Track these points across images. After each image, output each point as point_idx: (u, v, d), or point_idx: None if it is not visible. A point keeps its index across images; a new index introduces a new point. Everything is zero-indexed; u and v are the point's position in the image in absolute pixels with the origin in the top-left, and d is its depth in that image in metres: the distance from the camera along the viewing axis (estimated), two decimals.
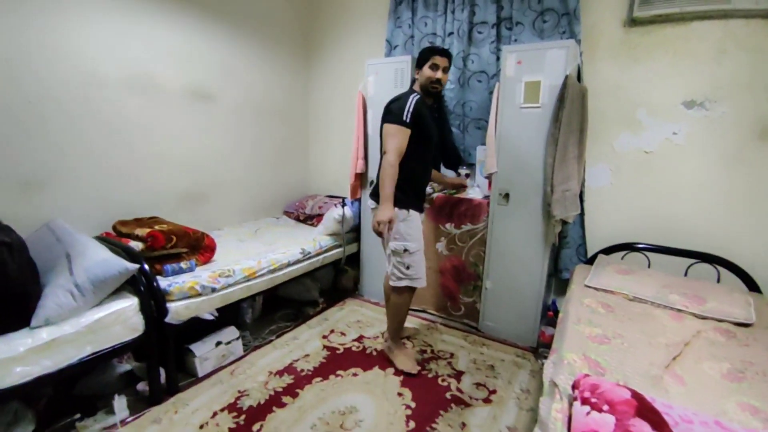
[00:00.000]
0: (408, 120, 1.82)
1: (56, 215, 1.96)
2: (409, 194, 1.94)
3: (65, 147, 2.03)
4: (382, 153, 1.87)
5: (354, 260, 3.05)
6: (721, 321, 1.67)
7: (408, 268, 1.98)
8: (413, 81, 2.09)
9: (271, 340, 2.33)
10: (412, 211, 1.96)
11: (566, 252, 2.47)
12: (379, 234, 1.90)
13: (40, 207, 1.96)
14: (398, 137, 1.83)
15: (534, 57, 2.12)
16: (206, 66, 2.70)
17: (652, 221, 2.28)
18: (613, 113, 2.30)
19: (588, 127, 2.24)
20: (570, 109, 2.01)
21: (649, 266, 2.23)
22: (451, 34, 2.67)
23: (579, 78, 2.24)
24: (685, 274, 2.14)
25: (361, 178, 2.83)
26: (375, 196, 2.01)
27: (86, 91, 2.08)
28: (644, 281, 1.95)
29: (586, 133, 2.23)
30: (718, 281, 2.06)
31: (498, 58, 2.52)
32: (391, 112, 1.87)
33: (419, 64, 1.96)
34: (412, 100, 1.85)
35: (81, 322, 1.47)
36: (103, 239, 1.92)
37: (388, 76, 2.61)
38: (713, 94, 2.06)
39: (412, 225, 1.96)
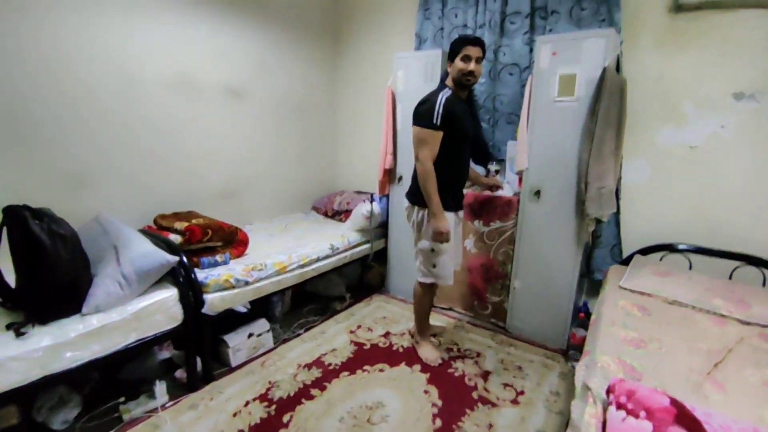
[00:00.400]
0: (438, 123, 1.79)
1: (103, 209, 2.08)
2: (444, 195, 1.89)
3: (109, 145, 2.15)
4: (416, 158, 1.85)
5: (381, 256, 3.07)
6: (765, 327, 1.58)
7: (434, 266, 1.99)
8: (444, 75, 2.04)
9: (300, 334, 2.39)
10: (445, 213, 1.92)
11: (600, 252, 2.39)
12: (441, 241, 1.90)
13: (89, 201, 2.09)
14: (429, 142, 1.81)
15: (570, 47, 2.04)
16: (240, 63, 2.77)
17: (693, 221, 2.16)
18: (655, 106, 2.19)
19: (626, 121, 2.14)
20: (608, 103, 1.93)
21: (690, 268, 2.12)
22: (482, 25, 2.61)
23: (618, 69, 2.14)
24: (730, 278, 2.02)
25: (389, 174, 2.83)
26: (411, 196, 2.01)
27: (128, 91, 2.19)
28: (685, 284, 1.86)
29: (624, 128, 2.13)
30: (764, 285, 1.94)
31: (531, 50, 2.45)
32: (421, 115, 1.82)
33: (450, 56, 1.89)
34: (442, 98, 1.80)
35: (127, 310, 1.56)
36: (145, 232, 2.03)
37: (417, 70, 2.59)
38: (765, 85, 1.92)
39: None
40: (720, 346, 1.46)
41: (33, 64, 1.85)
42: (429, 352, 2.14)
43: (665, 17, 2.11)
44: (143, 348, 1.67)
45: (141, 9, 2.17)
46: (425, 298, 2.13)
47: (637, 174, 2.29)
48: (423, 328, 2.20)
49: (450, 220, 1.94)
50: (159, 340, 1.71)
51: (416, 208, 1.96)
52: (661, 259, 2.20)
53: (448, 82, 1.92)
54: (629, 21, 2.19)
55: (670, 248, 2.18)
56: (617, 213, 2.31)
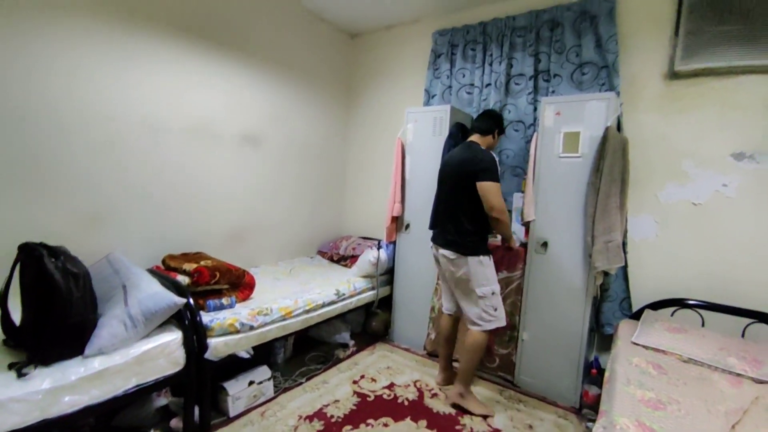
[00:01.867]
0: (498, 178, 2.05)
1: (114, 247, 2.10)
2: (487, 241, 2.15)
3: (127, 186, 2.21)
4: (491, 209, 1.99)
5: (386, 303, 3.03)
6: None
7: (495, 309, 2.09)
8: (456, 131, 2.41)
9: (302, 383, 2.30)
10: (491, 257, 2.12)
11: (608, 306, 2.36)
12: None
13: (101, 240, 2.11)
14: (499, 194, 2.00)
15: (573, 108, 2.16)
16: (255, 113, 2.91)
17: (703, 277, 2.16)
18: (657, 164, 2.27)
19: (630, 177, 2.21)
20: (611, 159, 2.01)
21: (702, 325, 2.09)
22: (488, 85, 2.77)
23: (619, 128, 2.25)
24: (743, 335, 1.98)
25: (397, 221, 2.87)
26: (461, 248, 2.06)
27: (147, 137, 2.28)
28: (699, 342, 1.82)
29: (627, 184, 2.20)
30: None
31: (535, 109, 2.58)
32: (491, 172, 1.99)
33: (498, 130, 2.19)
34: (495, 158, 2.06)
35: (130, 353, 1.52)
36: (153, 272, 2.03)
37: (426, 124, 2.71)
38: (764, 146, 2.00)
39: (493, 269, 2.13)
40: (737, 406, 1.42)
41: (62, 110, 1.94)
42: (482, 407, 2.11)
43: (662, 83, 2.25)
44: (141, 393, 1.60)
45: (164, 61, 2.31)
46: (485, 344, 2.13)
47: (644, 229, 2.32)
48: (471, 381, 2.19)
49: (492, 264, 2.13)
50: (159, 385, 1.65)
51: (469, 258, 2.04)
52: (672, 315, 2.17)
53: (483, 145, 2.12)
54: (628, 86, 2.34)
55: (681, 303, 2.16)
56: (625, 267, 2.32)
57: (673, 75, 2.20)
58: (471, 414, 2.07)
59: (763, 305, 1.98)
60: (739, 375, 1.63)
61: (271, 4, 2.92)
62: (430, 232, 2.62)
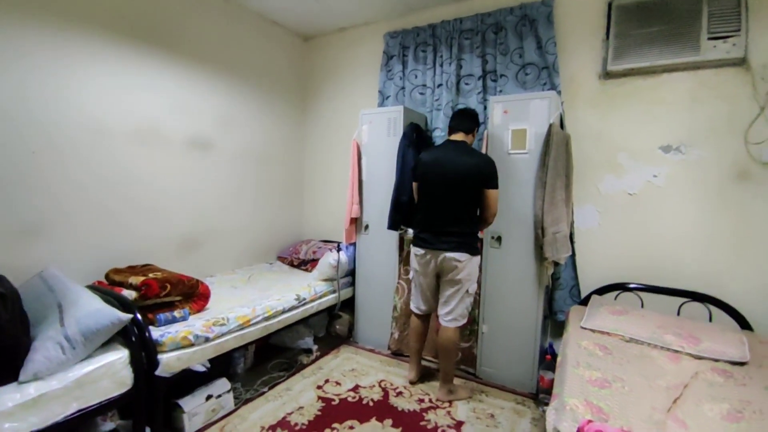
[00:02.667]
0: None
1: (50, 263, 1.94)
2: None
3: (63, 196, 2.06)
4: (494, 215, 2.13)
5: (348, 305, 3.01)
6: (717, 361, 1.68)
7: (469, 307, 2.21)
8: (417, 133, 2.52)
9: (264, 392, 2.24)
10: None
11: (560, 293, 2.48)
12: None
13: (34, 256, 1.95)
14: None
15: (519, 107, 2.25)
16: (206, 116, 2.80)
17: (641, 261, 2.33)
18: (596, 157, 2.42)
19: (573, 171, 2.34)
20: (556, 155, 2.12)
21: (642, 306, 2.25)
22: (440, 85, 2.84)
23: (562, 125, 2.37)
24: (678, 314, 2.15)
25: (356, 223, 2.86)
26: (468, 248, 2.10)
27: (87, 140, 2.14)
28: (638, 322, 1.95)
29: (572, 177, 2.32)
30: (710, 320, 2.08)
31: (485, 107, 2.67)
32: (497, 179, 2.09)
33: (477, 127, 2.29)
34: None
35: (69, 376, 1.42)
36: (95, 288, 1.90)
37: (381, 125, 2.73)
38: (688, 138, 2.19)
39: None
40: (677, 381, 1.53)
41: None
42: (465, 388, 2.28)
43: (597, 82, 2.41)
44: (85, 418, 1.49)
45: (104, 59, 2.18)
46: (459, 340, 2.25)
47: (588, 219, 2.47)
48: (453, 375, 2.26)
49: None
50: (104, 409, 1.54)
51: (474, 258, 2.13)
52: (615, 298, 2.32)
53: (469, 141, 2.23)
54: (567, 85, 2.48)
55: (623, 287, 2.31)
56: (573, 255, 2.45)
57: (606, 75, 2.36)
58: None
59: (695, 285, 2.16)
60: (677, 351, 1.75)
61: (221, 7, 2.83)
62: (389, 233, 2.65)
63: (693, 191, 2.19)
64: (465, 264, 2.09)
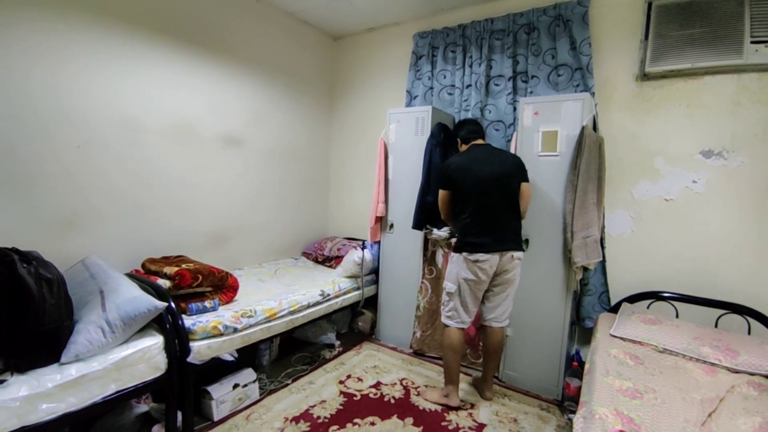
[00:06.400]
0: None
1: (91, 252, 2.04)
2: None
3: (105, 188, 2.16)
4: (526, 207, 2.13)
5: (371, 303, 3.03)
6: (753, 374, 1.61)
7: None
8: (445, 133, 2.49)
9: (287, 384, 2.29)
10: None
11: (588, 299, 2.42)
12: None
13: (78, 244, 2.06)
14: None
15: (550, 108, 2.21)
16: (238, 114, 2.88)
17: (677, 269, 2.24)
18: (630, 162, 2.35)
19: (606, 174, 2.28)
20: (588, 157, 2.07)
21: (677, 316, 2.17)
22: (469, 86, 2.82)
23: (594, 128, 2.32)
24: (716, 326, 2.06)
25: (381, 221, 2.88)
26: (520, 246, 2.11)
27: (125, 137, 2.24)
28: (673, 332, 1.89)
29: (604, 181, 2.27)
30: (749, 333, 1.99)
31: (515, 109, 2.63)
32: (527, 171, 2.12)
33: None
34: None
35: (108, 359, 1.49)
36: (132, 276, 1.98)
37: (408, 125, 2.74)
38: (731, 144, 2.09)
39: None
40: (712, 395, 1.47)
41: (41, 110, 1.90)
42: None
43: (633, 84, 2.33)
44: (121, 400, 1.56)
45: (142, 59, 2.27)
46: None
47: (620, 224, 2.40)
48: None
49: None
50: (139, 392, 1.61)
51: (522, 254, 2.12)
52: (648, 307, 2.24)
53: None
54: (601, 87, 2.41)
55: (656, 296, 2.23)
56: (603, 261, 2.38)
57: (644, 76, 2.28)
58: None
59: (733, 296, 2.06)
60: (713, 364, 1.69)
61: (254, 7, 2.90)
62: (414, 232, 2.65)
63: (735, 198, 2.10)
64: (520, 262, 2.10)
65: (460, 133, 2.26)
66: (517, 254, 2.07)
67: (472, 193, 2.05)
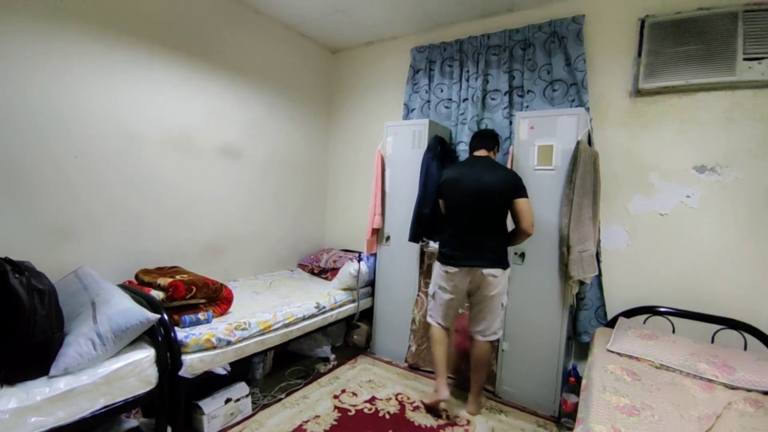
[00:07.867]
0: None
1: (84, 262, 2.02)
2: None
3: (100, 198, 2.15)
4: (530, 225, 2.07)
5: (367, 316, 3.01)
6: (749, 391, 1.60)
7: (503, 318, 2.23)
8: (441, 146, 2.54)
9: (281, 399, 2.25)
10: None
11: (585, 314, 2.41)
12: None
13: (70, 254, 2.04)
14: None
15: (546, 123, 2.24)
16: (236, 125, 2.89)
17: (673, 284, 2.24)
18: (625, 176, 2.37)
19: (601, 189, 2.29)
20: (583, 172, 2.08)
21: (673, 331, 2.16)
22: (465, 100, 2.85)
23: (590, 142, 2.34)
24: (712, 341, 2.05)
25: (377, 234, 2.88)
26: (502, 263, 2.12)
27: (121, 148, 2.23)
28: (670, 348, 1.88)
29: (599, 195, 2.28)
30: (745, 348, 1.98)
31: (510, 123, 2.66)
32: (525, 188, 2.09)
33: (498, 147, 2.33)
34: None
35: (98, 372, 1.46)
36: (125, 287, 1.96)
37: (406, 137, 2.76)
38: (725, 159, 2.12)
39: None
40: (709, 411, 1.46)
41: (38, 118, 1.90)
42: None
43: (627, 100, 2.36)
44: (111, 415, 1.53)
45: (142, 70, 2.29)
46: None
47: (615, 239, 2.40)
48: None
49: None
50: (129, 406, 1.58)
51: (505, 271, 2.14)
52: (644, 322, 2.23)
53: (491, 156, 2.25)
54: (596, 102, 2.44)
55: (653, 311, 2.22)
56: (599, 276, 2.38)
57: (638, 92, 2.31)
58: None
59: (729, 311, 2.06)
60: (710, 381, 1.68)
61: (253, 20, 2.94)
62: (410, 245, 2.65)
63: (729, 213, 2.11)
64: (500, 279, 2.08)
65: (469, 143, 2.35)
66: (489, 271, 2.06)
67: (457, 205, 2.17)
